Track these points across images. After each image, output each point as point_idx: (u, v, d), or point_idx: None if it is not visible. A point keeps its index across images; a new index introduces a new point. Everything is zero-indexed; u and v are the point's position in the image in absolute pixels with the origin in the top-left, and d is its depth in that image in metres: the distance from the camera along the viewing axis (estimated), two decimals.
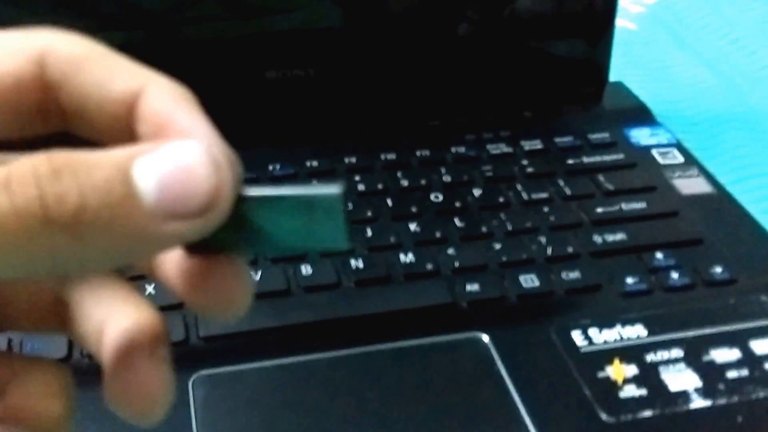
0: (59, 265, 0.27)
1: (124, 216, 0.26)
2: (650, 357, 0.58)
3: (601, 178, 0.75)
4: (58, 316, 0.33)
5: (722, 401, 0.55)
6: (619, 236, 0.68)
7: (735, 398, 0.55)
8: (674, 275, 0.65)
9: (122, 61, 0.31)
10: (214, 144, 0.28)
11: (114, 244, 0.27)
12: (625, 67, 0.98)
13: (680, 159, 0.79)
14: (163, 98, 0.30)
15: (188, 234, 0.27)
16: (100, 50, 0.31)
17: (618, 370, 0.57)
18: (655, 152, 0.80)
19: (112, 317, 0.31)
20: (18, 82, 0.30)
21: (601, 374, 0.56)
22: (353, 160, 0.76)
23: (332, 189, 0.28)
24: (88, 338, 0.32)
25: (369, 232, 0.67)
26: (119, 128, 0.30)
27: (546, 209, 0.71)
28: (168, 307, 0.52)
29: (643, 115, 0.86)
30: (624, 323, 0.60)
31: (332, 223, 0.28)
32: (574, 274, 0.64)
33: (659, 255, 0.67)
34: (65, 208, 0.26)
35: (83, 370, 0.56)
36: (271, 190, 0.29)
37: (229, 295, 0.31)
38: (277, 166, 0.75)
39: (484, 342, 0.59)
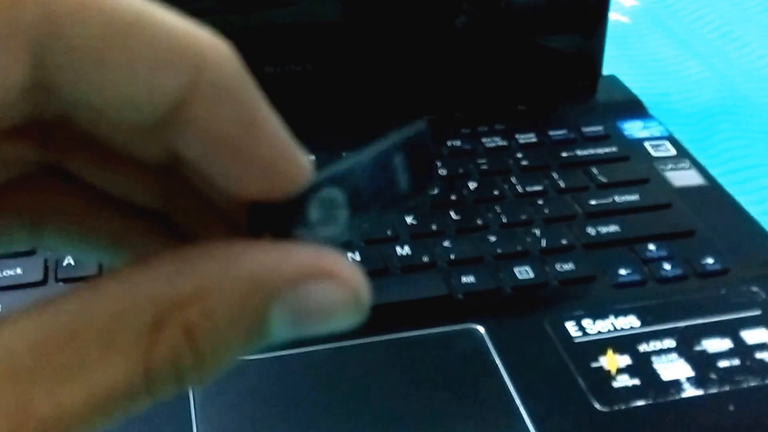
0: None
1: (246, 349, 0.24)
2: (643, 347, 0.58)
3: (594, 170, 0.76)
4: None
5: (714, 390, 0.56)
6: (613, 228, 0.69)
7: (726, 387, 0.56)
8: (667, 266, 0.65)
9: (162, 29, 0.22)
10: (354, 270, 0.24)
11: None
12: (619, 60, 0.99)
13: (672, 151, 0.79)
14: (219, 97, 0.23)
15: None
16: (130, 16, 0.22)
17: (611, 360, 0.57)
18: (647, 145, 0.80)
19: None
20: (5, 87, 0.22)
21: (594, 364, 0.57)
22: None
23: (418, 125, 0.26)
24: None
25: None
26: (147, 122, 0.23)
27: (540, 202, 0.72)
28: None
29: (635, 108, 0.86)
30: (617, 314, 0.61)
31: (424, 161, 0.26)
32: (568, 266, 0.65)
33: (652, 246, 0.67)
34: (199, 375, 0.23)
35: None
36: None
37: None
38: None
39: (479, 333, 0.59)
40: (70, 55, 0.21)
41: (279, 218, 0.25)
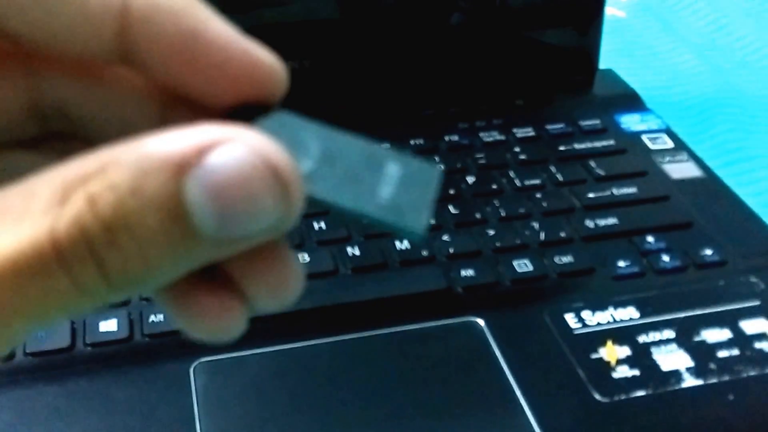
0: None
1: (185, 256, 0.23)
2: (642, 338, 0.58)
3: (592, 163, 0.76)
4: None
5: (713, 380, 0.56)
6: (611, 220, 0.69)
7: (726, 377, 0.56)
8: (665, 258, 0.65)
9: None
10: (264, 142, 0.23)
11: (171, 275, 0.24)
12: (615, 54, 0.99)
13: (670, 144, 0.80)
14: (159, 11, 0.25)
15: (247, 247, 0.24)
16: None
17: (611, 352, 0.57)
18: (645, 138, 0.80)
19: None
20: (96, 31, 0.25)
21: (594, 355, 0.57)
22: None
23: (433, 165, 0.25)
24: None
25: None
26: (105, 53, 0.26)
27: (539, 195, 0.72)
28: None
29: (633, 102, 0.87)
30: (616, 305, 0.61)
31: (419, 198, 0.25)
32: (567, 258, 0.65)
33: (650, 238, 0.67)
34: (129, 274, 0.23)
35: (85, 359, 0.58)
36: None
37: (283, 277, 0.26)
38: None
39: (479, 326, 0.60)
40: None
41: (247, 120, 0.25)
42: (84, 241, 0.22)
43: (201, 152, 0.22)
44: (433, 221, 0.68)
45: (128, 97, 0.28)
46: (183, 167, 0.22)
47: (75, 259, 0.22)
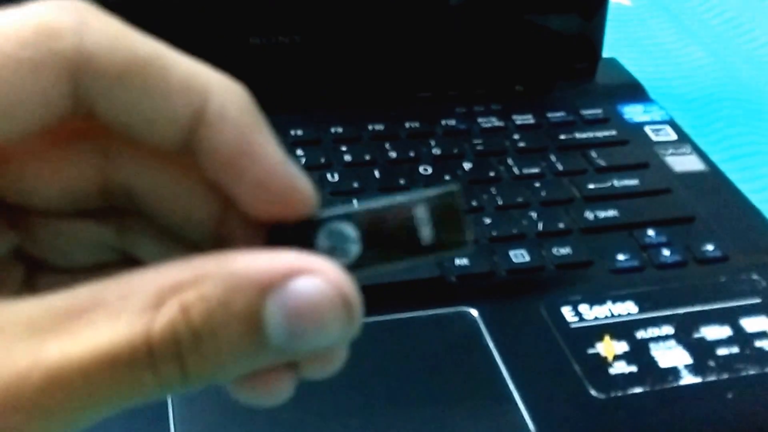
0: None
1: (252, 361, 0.27)
2: (641, 334, 0.58)
3: (593, 154, 0.75)
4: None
5: (712, 378, 0.55)
6: (611, 212, 0.68)
7: (725, 375, 0.55)
8: (666, 252, 0.65)
9: (175, 67, 0.28)
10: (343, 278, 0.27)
11: (236, 374, 0.28)
12: (619, 43, 0.99)
13: (673, 136, 0.79)
14: (229, 115, 0.28)
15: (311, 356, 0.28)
16: (145, 55, 0.28)
17: (608, 347, 0.56)
18: (648, 129, 0.80)
19: None
20: (45, 107, 0.27)
21: (591, 350, 0.56)
22: (340, 130, 0.75)
23: (449, 186, 0.29)
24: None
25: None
26: (174, 146, 0.29)
27: (537, 184, 0.71)
28: None
29: (636, 92, 0.86)
30: (615, 300, 0.60)
31: (453, 220, 0.29)
32: (565, 250, 0.64)
33: (651, 232, 0.66)
34: (204, 374, 0.26)
35: None
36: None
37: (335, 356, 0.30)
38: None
39: (472, 316, 0.59)
40: (99, 80, 0.27)
41: (292, 240, 0.28)
42: (174, 343, 0.25)
43: (286, 277, 0.26)
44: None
45: (192, 187, 0.31)
46: (269, 288, 0.26)
47: (163, 358, 0.25)
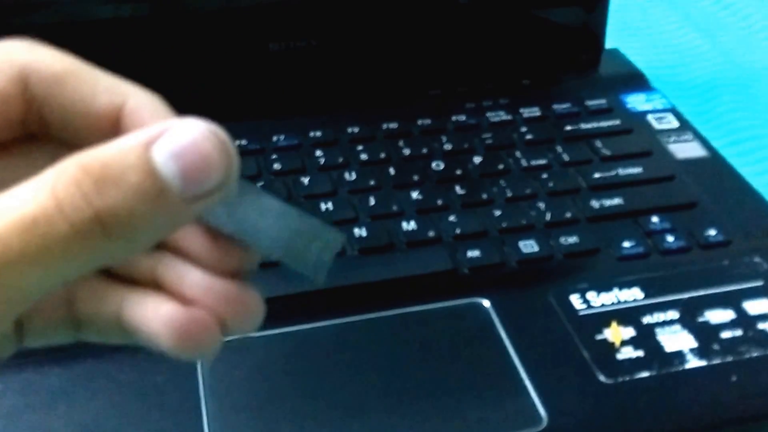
0: (110, 261, 0.31)
1: (163, 211, 0.29)
2: (647, 319, 0.59)
3: (598, 143, 0.76)
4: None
5: (717, 361, 0.56)
6: (616, 201, 0.69)
7: (729, 358, 0.56)
8: (670, 238, 0.66)
9: (102, 76, 0.34)
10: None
11: (155, 234, 0.30)
12: (621, 34, 0.99)
13: (675, 124, 0.80)
14: (144, 108, 0.33)
15: (208, 208, 0.30)
16: (79, 66, 0.34)
17: (615, 333, 0.58)
18: (650, 117, 0.81)
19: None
20: (2, 104, 0.33)
21: (598, 336, 0.58)
22: (356, 130, 0.77)
23: (338, 234, 0.34)
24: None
25: (372, 201, 0.68)
26: (103, 137, 0.32)
27: (545, 175, 0.72)
28: None
29: (638, 81, 0.87)
30: (621, 286, 0.61)
31: (321, 256, 0.34)
32: (573, 239, 0.65)
33: (655, 219, 0.68)
34: (120, 220, 0.28)
35: None
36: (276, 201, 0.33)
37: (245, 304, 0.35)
38: (281, 137, 0.76)
39: (484, 307, 0.60)
40: (44, 82, 0.33)
41: None
42: (79, 193, 0.28)
43: (164, 130, 0.29)
44: (439, 202, 0.69)
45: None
46: (151, 141, 0.29)
47: (72, 207, 0.28)
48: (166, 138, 0.29)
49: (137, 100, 0.33)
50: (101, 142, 0.31)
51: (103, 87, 0.33)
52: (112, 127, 0.33)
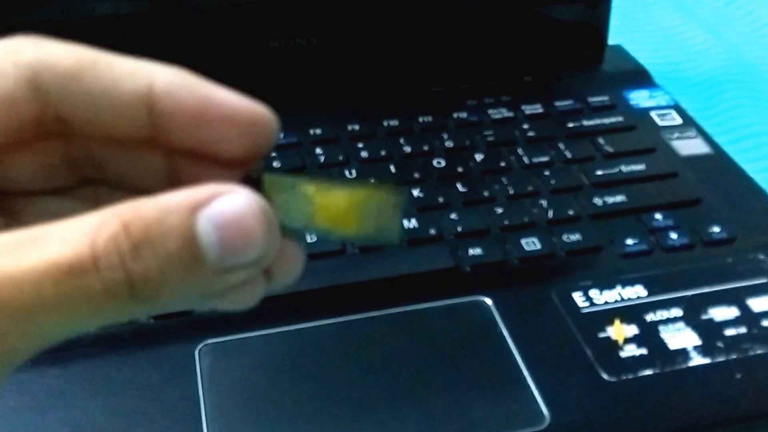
0: (125, 320, 0.30)
1: (193, 279, 0.29)
2: (650, 316, 0.58)
3: (600, 140, 0.76)
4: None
5: (721, 359, 0.56)
6: (619, 198, 0.69)
7: (733, 355, 0.56)
8: (673, 235, 0.65)
9: (118, 62, 0.32)
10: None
11: (181, 299, 0.30)
12: (624, 29, 0.99)
13: (679, 120, 0.79)
14: (177, 88, 0.32)
15: (243, 278, 0.31)
16: (93, 56, 0.32)
17: (618, 330, 0.57)
18: (653, 114, 0.80)
19: None
20: (11, 108, 0.32)
21: (601, 334, 0.57)
22: (356, 127, 0.77)
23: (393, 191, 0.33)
24: None
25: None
26: (137, 127, 0.33)
27: (547, 172, 0.72)
28: None
29: (642, 78, 0.86)
30: (624, 284, 0.61)
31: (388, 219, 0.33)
32: (575, 237, 0.65)
33: (658, 216, 0.67)
34: (150, 285, 0.28)
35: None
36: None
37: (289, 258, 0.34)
38: (281, 135, 0.75)
39: (486, 305, 0.60)
40: (57, 81, 0.32)
41: (255, 187, 0.31)
42: (116, 253, 0.28)
43: (212, 197, 0.29)
44: (440, 199, 0.68)
45: (150, 153, 0.34)
46: (197, 206, 0.29)
47: (107, 266, 0.28)
48: (213, 206, 0.29)
49: (165, 79, 0.32)
50: (135, 133, 0.33)
51: (121, 74, 0.32)
52: (146, 113, 0.32)
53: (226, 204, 0.29)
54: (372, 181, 0.30)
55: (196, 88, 0.32)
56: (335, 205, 0.32)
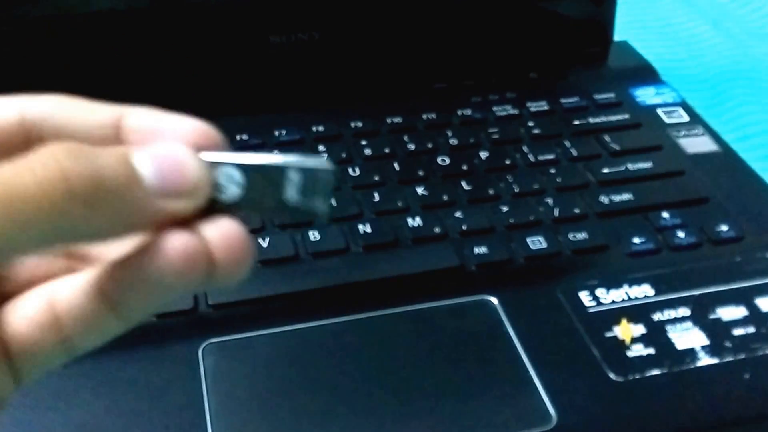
0: (73, 236, 0.30)
1: (130, 192, 0.30)
2: (657, 316, 0.58)
3: (607, 138, 0.75)
4: None
5: (729, 358, 0.55)
6: (626, 196, 0.69)
7: (741, 355, 0.56)
8: (681, 234, 0.65)
9: (90, 103, 0.34)
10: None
11: (121, 216, 0.30)
12: (631, 26, 0.99)
13: (685, 118, 0.79)
14: (143, 114, 0.34)
15: (180, 209, 0.31)
16: (68, 99, 0.34)
17: (625, 330, 0.57)
18: (660, 111, 0.80)
19: None
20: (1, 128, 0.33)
21: (608, 334, 0.57)
22: (359, 124, 0.76)
23: (326, 164, 0.33)
24: None
25: (376, 197, 0.68)
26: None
27: (552, 170, 0.71)
28: None
29: (648, 75, 0.86)
30: (631, 283, 0.60)
31: (320, 194, 0.33)
32: (581, 235, 0.65)
33: (665, 214, 0.67)
34: (84, 181, 0.29)
35: None
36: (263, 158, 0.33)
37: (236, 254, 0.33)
38: (283, 132, 0.75)
39: (492, 304, 0.59)
40: (36, 115, 0.33)
41: None
42: (51, 155, 0.29)
43: (146, 144, 0.31)
44: (445, 197, 0.68)
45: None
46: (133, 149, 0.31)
47: (41, 164, 0.28)
48: (147, 148, 0.31)
49: (135, 109, 0.34)
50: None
51: (98, 106, 0.34)
52: (115, 136, 0.34)
53: (160, 145, 0.31)
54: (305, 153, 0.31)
55: (152, 118, 0.34)
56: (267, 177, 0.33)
